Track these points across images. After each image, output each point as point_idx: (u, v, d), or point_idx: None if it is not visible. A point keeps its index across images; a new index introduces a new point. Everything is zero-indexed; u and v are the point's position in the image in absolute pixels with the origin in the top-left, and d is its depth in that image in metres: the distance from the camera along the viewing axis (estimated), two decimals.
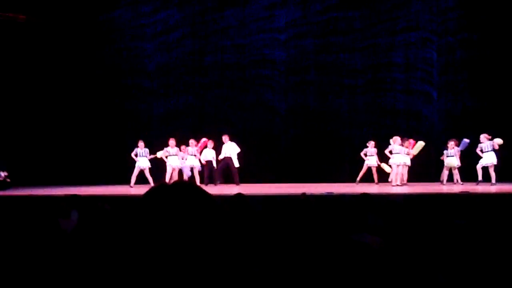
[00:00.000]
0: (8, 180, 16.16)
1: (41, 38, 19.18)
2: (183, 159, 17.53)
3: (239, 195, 6.49)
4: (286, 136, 19.79)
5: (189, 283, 1.65)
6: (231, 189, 13.82)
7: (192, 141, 17.68)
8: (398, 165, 16.40)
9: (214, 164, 17.93)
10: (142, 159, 17.44)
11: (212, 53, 20.14)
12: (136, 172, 17.37)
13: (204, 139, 17.87)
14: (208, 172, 17.96)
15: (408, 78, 19.30)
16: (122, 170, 18.10)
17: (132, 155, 17.45)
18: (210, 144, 17.91)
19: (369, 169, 17.67)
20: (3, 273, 2.57)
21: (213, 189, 15.23)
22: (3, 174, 16.03)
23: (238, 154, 17.96)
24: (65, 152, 19.03)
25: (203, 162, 17.86)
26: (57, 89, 19.40)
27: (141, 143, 17.53)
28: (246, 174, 18.33)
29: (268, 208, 5.48)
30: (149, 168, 17.47)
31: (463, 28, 18.73)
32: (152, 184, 16.95)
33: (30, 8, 18.58)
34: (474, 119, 18.08)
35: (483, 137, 16.31)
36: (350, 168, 18.52)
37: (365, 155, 17.64)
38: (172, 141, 17.55)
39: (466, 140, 16.72)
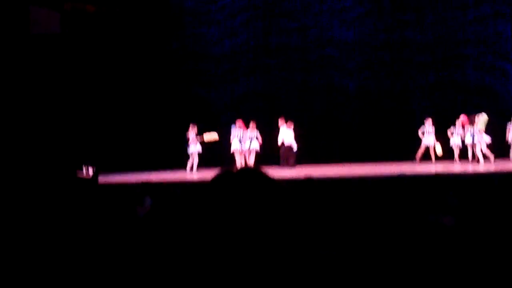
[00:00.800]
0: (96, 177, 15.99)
1: (110, 28, 19.54)
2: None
3: (309, 178, 6.46)
4: (355, 117, 19.54)
5: (257, 267, 1.68)
6: (305, 171, 13.79)
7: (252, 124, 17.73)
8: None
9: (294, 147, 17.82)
10: (193, 144, 17.59)
11: (278, 35, 20.04)
12: (192, 158, 17.56)
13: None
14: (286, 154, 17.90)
15: (481, 54, 18.74)
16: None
17: (190, 140, 17.56)
18: (290, 125, 17.75)
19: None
20: (88, 257, 2.67)
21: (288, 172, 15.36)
22: (91, 170, 15.39)
23: (303, 137, 17.87)
24: (136, 139, 19.34)
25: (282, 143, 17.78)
26: (127, 77, 19.73)
27: (193, 127, 17.59)
28: (313, 155, 18.26)
29: (339, 191, 5.45)
30: (199, 154, 17.57)
31: None
32: (194, 170, 17.38)
33: None
34: None
35: None
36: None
37: (422, 133, 17.46)
38: (252, 124, 17.66)
39: None
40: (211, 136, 17.63)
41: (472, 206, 4.38)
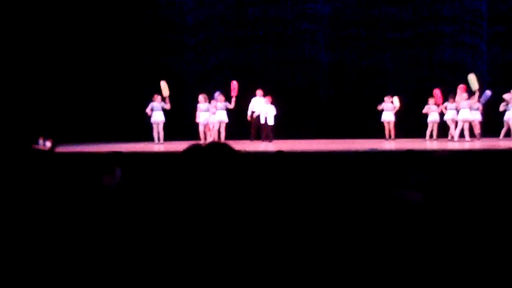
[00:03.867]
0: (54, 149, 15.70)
1: None
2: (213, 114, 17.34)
3: (279, 152, 6.45)
4: (329, 92, 19.55)
5: (223, 239, 1.74)
6: (277, 146, 13.80)
7: (218, 94, 17.44)
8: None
9: (262, 120, 17.64)
10: (157, 113, 17.33)
11: (253, 7, 19.82)
12: (155, 128, 17.41)
13: (234, 82, 17.57)
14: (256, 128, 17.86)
15: (455, 31, 18.79)
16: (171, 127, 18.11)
17: (147, 110, 17.33)
18: (268, 99, 17.59)
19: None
20: (47, 226, 2.59)
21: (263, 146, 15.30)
22: (48, 143, 14.94)
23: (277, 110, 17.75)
24: (101, 109, 19.03)
25: (253, 115, 17.72)
26: (93, 44, 19.29)
27: (157, 97, 17.37)
28: (287, 130, 18.27)
29: (309, 165, 5.44)
30: (164, 123, 17.40)
31: None
32: (160, 140, 17.28)
33: None
34: None
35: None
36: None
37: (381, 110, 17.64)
38: (201, 97, 17.35)
39: (488, 92, 16.44)
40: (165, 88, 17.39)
41: (442, 183, 4.36)
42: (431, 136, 17.07)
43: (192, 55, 20.18)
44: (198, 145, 1.89)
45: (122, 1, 19.67)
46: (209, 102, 17.39)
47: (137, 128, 18.35)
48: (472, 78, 16.49)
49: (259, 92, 17.80)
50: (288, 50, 19.71)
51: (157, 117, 17.35)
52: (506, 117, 16.53)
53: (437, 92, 16.99)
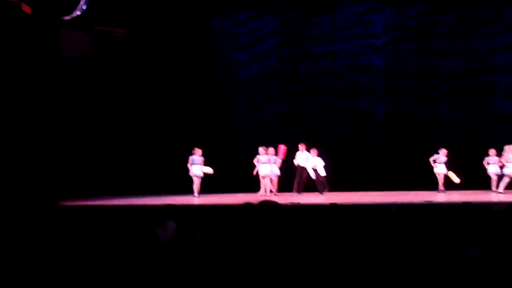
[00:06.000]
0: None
1: (139, 51, 19.73)
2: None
3: (333, 205, 6.40)
4: (384, 144, 19.40)
5: None
6: (330, 199, 13.75)
7: (261, 149, 17.48)
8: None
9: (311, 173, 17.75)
10: (196, 167, 17.34)
11: (306, 60, 20.00)
12: (196, 181, 17.40)
13: (282, 146, 17.74)
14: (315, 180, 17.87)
15: (511, 81, 18.55)
16: (223, 179, 18.27)
17: (188, 165, 17.39)
18: (314, 152, 17.74)
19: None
20: (105, 278, 2.68)
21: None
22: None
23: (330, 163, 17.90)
24: (160, 161, 19.33)
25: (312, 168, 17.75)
26: (155, 100, 19.86)
27: (197, 151, 17.42)
28: (343, 181, 18.21)
29: (363, 219, 5.34)
30: (202, 178, 17.39)
31: None
32: (196, 196, 17.16)
33: (128, 22, 19.10)
34: None
35: None
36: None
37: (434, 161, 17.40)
38: (261, 149, 17.43)
39: None
40: (207, 170, 17.47)
41: (499, 237, 4.27)
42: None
43: (247, 108, 20.39)
44: (251, 204, 2.07)
45: (176, 56, 20.15)
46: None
47: (174, 181, 18.39)
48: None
49: (301, 146, 17.83)
50: (341, 101, 19.75)
51: (196, 171, 17.38)
52: None
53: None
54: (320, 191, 17.52)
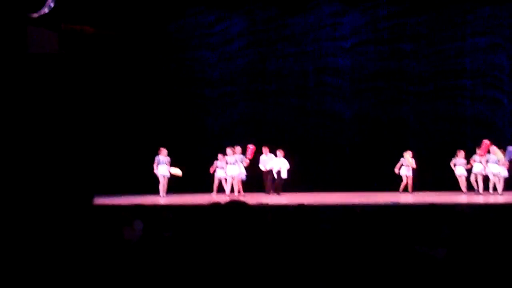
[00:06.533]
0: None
1: (108, 49, 19.49)
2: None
3: (301, 206, 6.39)
4: (350, 144, 19.50)
5: None
6: (298, 199, 13.77)
7: (229, 150, 17.51)
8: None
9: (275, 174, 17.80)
10: (162, 167, 17.26)
11: (275, 61, 19.97)
12: (162, 181, 17.27)
13: (251, 146, 17.76)
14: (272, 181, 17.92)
15: (477, 85, 18.84)
16: (191, 179, 18.15)
17: (154, 165, 17.24)
18: (280, 153, 17.77)
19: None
20: (69, 279, 2.60)
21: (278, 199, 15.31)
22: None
23: (297, 163, 18.00)
24: (126, 161, 19.02)
25: (266, 169, 17.79)
26: (123, 98, 19.61)
27: (163, 150, 17.35)
28: (307, 182, 18.32)
29: (330, 219, 5.37)
30: (168, 178, 17.30)
31: None
32: (162, 196, 17.01)
33: (97, 20, 18.87)
34: None
35: None
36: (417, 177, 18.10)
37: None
38: (229, 150, 17.45)
39: (510, 148, 16.29)
40: (176, 172, 17.40)
41: (465, 238, 4.30)
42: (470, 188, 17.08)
43: (215, 108, 20.28)
44: (218, 204, 2.04)
45: (145, 54, 19.96)
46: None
47: (140, 181, 18.09)
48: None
49: (264, 149, 17.90)
50: (309, 102, 19.81)
51: (163, 171, 17.26)
52: None
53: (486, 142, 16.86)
54: (269, 191, 17.63)
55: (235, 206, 2.05)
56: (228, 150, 17.44)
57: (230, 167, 17.30)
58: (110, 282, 2.67)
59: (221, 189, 17.63)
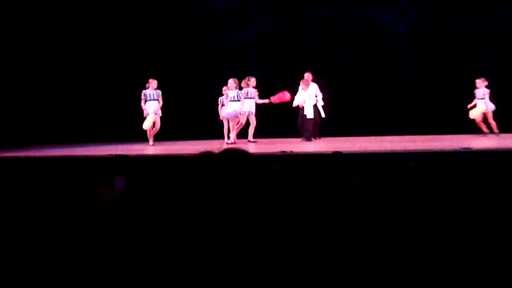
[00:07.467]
0: None
1: None
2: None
3: (337, 153, 5.80)
4: (408, 68, 16.04)
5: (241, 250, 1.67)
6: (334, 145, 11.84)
7: (231, 81, 13.66)
8: None
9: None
10: (151, 103, 13.81)
11: None
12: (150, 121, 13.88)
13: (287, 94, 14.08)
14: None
15: None
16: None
17: (142, 102, 13.86)
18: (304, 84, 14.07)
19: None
20: (34, 248, 2.39)
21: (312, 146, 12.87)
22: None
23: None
24: (107, 103, 16.64)
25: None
26: (104, 27, 16.97)
27: (153, 82, 13.88)
28: (345, 125, 15.52)
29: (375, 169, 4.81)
30: (161, 117, 14.02)
31: None
32: (150, 142, 14.06)
33: None
34: None
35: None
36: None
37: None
38: (231, 81, 13.74)
39: None
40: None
41: None
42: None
43: (226, 26, 17.18)
44: (211, 153, 1.85)
45: None
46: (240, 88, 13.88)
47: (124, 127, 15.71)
48: None
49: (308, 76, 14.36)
50: (346, 12, 16.38)
51: (152, 108, 13.84)
52: None
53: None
54: (310, 137, 14.10)
55: (231, 156, 1.82)
56: (230, 81, 13.74)
57: (231, 104, 13.77)
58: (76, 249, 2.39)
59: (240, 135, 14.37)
